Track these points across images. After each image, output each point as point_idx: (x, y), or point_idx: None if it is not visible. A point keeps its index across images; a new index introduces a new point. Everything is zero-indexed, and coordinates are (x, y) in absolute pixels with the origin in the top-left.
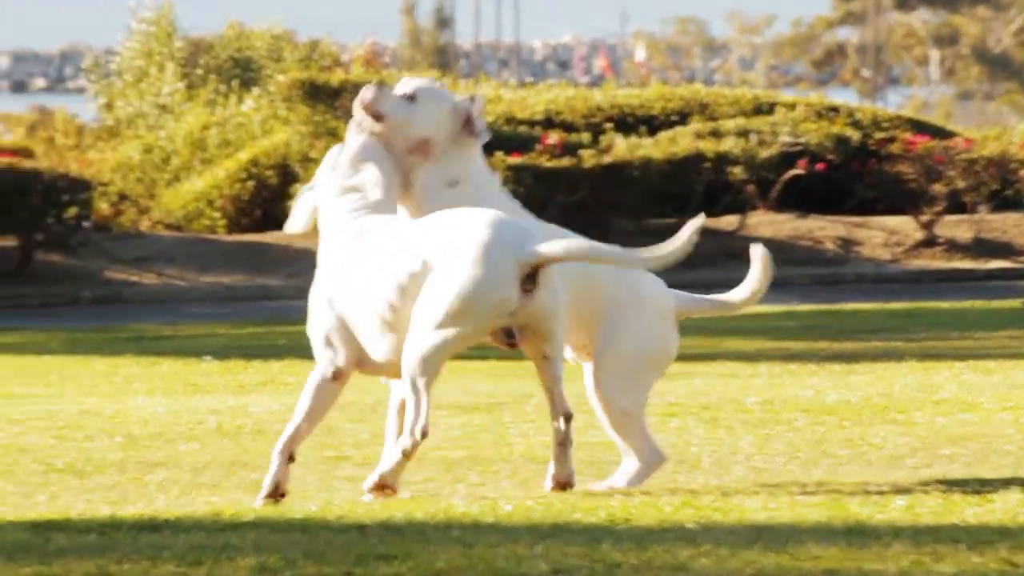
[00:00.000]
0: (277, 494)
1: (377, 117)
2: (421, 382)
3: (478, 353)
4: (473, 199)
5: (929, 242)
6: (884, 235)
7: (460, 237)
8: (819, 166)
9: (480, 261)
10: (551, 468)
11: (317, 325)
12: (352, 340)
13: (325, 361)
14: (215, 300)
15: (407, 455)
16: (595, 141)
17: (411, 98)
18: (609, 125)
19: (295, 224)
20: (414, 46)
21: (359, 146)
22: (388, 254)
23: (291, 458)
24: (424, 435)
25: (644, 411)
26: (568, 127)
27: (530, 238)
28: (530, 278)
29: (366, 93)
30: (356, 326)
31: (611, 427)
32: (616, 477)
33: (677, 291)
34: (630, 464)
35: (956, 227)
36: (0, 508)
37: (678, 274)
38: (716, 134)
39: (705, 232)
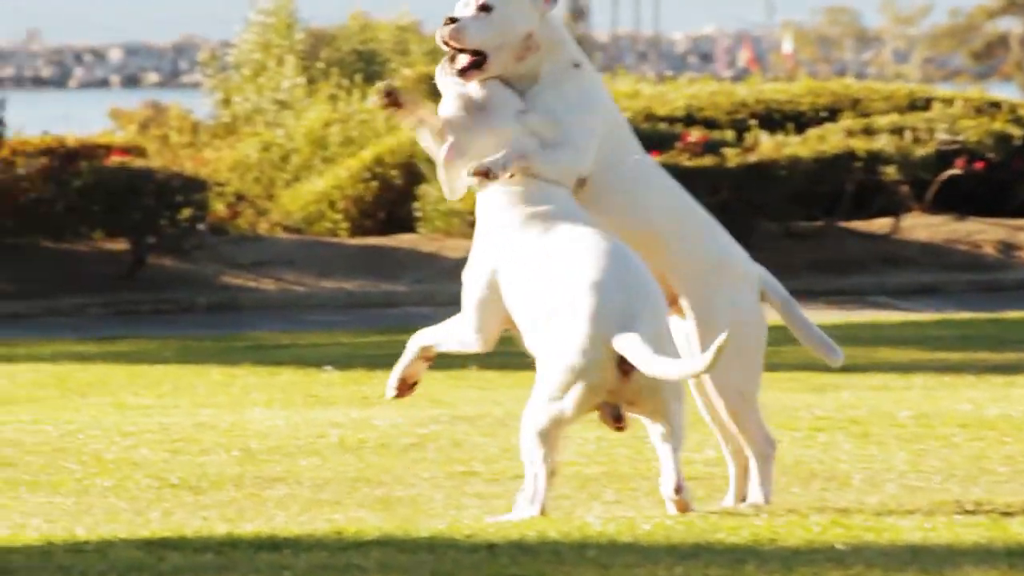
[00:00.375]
0: (406, 387)
1: (479, 60)
2: (539, 455)
3: None
4: (596, 79)
5: None
6: None
7: (571, 299)
8: (978, 165)
9: (579, 336)
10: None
11: (471, 286)
12: (499, 319)
13: (466, 330)
14: (337, 307)
15: None
16: (739, 139)
17: (486, 8)
18: (754, 122)
19: (454, 193)
20: None
21: (489, 96)
22: (536, 282)
23: (428, 359)
24: (542, 512)
25: (758, 392)
26: (710, 124)
27: (635, 307)
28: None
29: (447, 36)
30: (510, 310)
31: (726, 412)
32: (750, 493)
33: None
34: (752, 473)
35: None
36: (112, 525)
37: (831, 280)
38: (868, 131)
39: (857, 235)
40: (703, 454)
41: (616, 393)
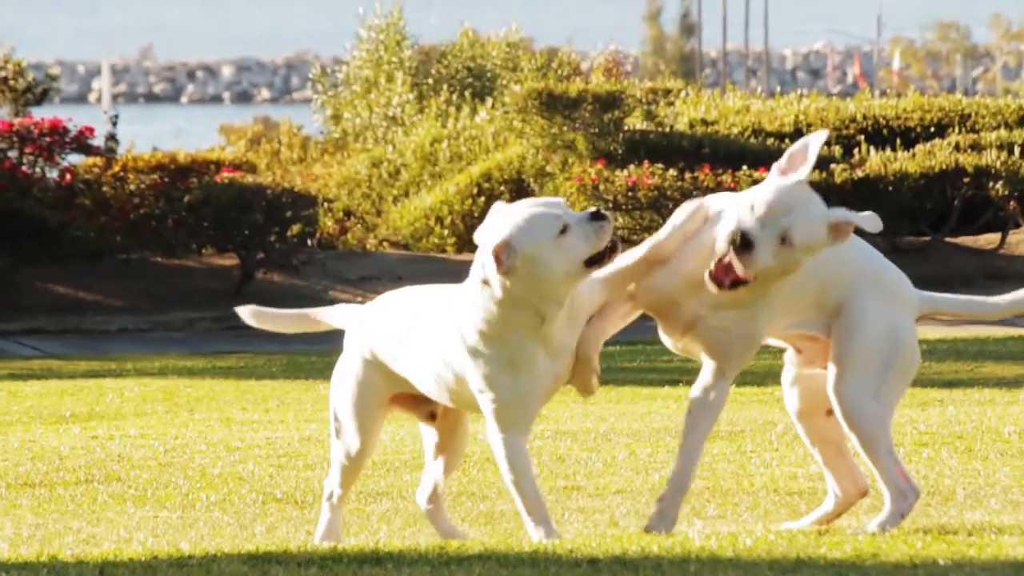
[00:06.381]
0: None
1: None
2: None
3: None
4: None
5: None
6: None
7: None
8: None
9: None
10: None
11: None
12: None
13: None
14: None
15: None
16: (847, 154)
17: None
18: (862, 137)
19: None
20: (657, 54)
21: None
22: None
23: None
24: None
25: (890, 424)
26: None
27: None
28: None
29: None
30: None
31: (860, 443)
32: (883, 514)
33: (921, 291)
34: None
35: None
36: (217, 540)
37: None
38: (976, 147)
39: (964, 251)
40: (807, 469)
41: None
